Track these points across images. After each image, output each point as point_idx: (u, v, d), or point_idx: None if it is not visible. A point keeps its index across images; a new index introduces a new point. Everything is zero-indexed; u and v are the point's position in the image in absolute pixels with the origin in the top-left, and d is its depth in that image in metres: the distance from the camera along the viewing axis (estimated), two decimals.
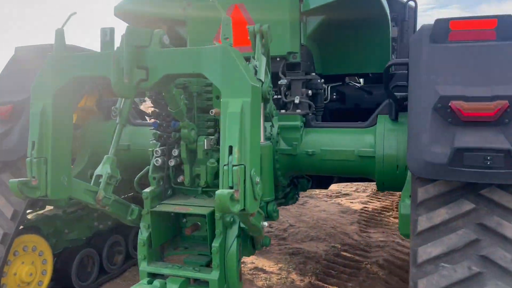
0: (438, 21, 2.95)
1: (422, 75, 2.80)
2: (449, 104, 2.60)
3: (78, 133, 4.42)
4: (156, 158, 3.21)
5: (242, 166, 2.15)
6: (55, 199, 2.96)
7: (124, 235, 5.06)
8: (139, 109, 5.15)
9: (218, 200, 2.08)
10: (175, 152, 3.19)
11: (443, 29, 2.93)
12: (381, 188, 3.63)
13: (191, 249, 3.34)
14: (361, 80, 5.78)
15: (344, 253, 5.50)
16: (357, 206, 7.90)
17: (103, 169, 3.02)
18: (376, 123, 3.65)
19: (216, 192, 2.10)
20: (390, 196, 8.71)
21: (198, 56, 2.32)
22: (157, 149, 3.22)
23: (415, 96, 2.78)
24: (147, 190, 3.12)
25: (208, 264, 3.18)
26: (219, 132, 3.29)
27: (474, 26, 2.90)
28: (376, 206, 7.99)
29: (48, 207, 4.32)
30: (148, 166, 3.36)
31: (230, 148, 2.17)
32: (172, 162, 3.22)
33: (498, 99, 2.53)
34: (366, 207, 7.87)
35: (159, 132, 3.19)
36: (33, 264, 3.92)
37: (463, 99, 2.60)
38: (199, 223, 3.22)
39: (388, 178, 3.47)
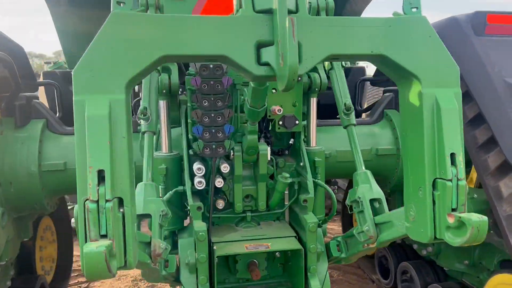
0: (478, 14, 2.93)
1: (487, 68, 2.73)
2: None
3: None
4: (199, 179, 2.24)
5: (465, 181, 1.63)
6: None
7: None
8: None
9: (477, 229, 1.51)
10: (225, 168, 2.28)
11: (481, 22, 2.93)
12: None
13: None
14: None
15: None
16: None
17: (148, 204, 1.91)
18: (383, 119, 3.45)
19: (467, 217, 1.52)
20: None
21: (380, 29, 1.64)
22: (200, 165, 2.25)
23: (487, 90, 2.70)
24: (200, 226, 2.14)
25: None
26: (269, 137, 2.53)
27: (509, 21, 2.99)
28: None
29: None
30: (170, 193, 2.33)
31: (452, 156, 1.61)
32: (220, 183, 2.30)
33: None
34: None
35: (204, 142, 2.22)
36: None
37: None
38: (256, 261, 2.39)
39: None
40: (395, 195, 3.71)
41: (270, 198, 2.47)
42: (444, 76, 1.66)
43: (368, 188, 2.17)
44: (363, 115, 4.23)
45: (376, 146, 3.30)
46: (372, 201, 2.13)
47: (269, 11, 1.56)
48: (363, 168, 2.34)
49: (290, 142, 2.59)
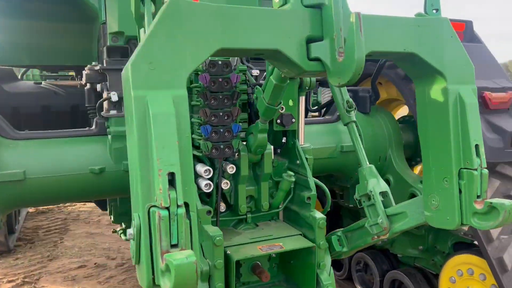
0: None
1: None
2: (483, 95, 2.92)
3: None
4: (207, 181, 2.13)
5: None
6: None
7: None
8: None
9: (509, 213, 1.65)
10: (231, 169, 2.20)
11: None
12: None
13: None
14: None
15: None
16: None
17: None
18: None
19: (499, 202, 1.66)
20: None
21: (411, 29, 1.73)
22: (207, 167, 2.13)
23: None
24: (215, 231, 2.03)
25: None
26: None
27: (460, 28, 3.33)
28: None
29: None
30: None
31: (476, 147, 1.76)
32: (227, 185, 2.21)
33: (509, 90, 3.04)
34: None
35: (212, 142, 2.11)
36: None
37: (489, 91, 2.97)
38: (259, 263, 2.34)
39: None
40: (354, 189, 3.89)
41: (270, 198, 2.45)
42: (463, 74, 1.80)
43: (376, 182, 2.25)
44: (312, 114, 4.37)
45: (341, 143, 3.43)
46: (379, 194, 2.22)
47: (317, 6, 1.55)
48: (367, 163, 2.42)
49: (283, 141, 2.59)
